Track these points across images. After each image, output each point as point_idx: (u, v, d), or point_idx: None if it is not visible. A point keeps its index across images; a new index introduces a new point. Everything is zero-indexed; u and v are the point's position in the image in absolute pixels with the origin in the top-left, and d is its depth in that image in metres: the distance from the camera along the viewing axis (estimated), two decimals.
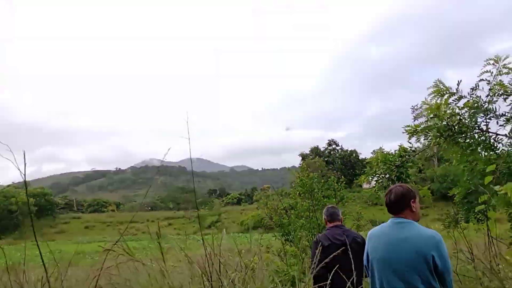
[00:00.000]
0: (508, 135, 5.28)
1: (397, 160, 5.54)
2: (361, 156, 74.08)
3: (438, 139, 5.01)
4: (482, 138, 5.37)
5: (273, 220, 8.62)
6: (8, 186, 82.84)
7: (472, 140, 5.26)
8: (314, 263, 3.64)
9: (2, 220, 73.95)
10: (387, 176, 5.57)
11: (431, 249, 2.59)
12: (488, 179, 3.48)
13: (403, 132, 5.54)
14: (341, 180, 9.12)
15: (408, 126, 5.47)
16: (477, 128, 5.20)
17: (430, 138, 5.18)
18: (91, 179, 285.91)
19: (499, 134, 5.33)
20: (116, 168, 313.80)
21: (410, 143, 5.50)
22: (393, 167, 5.51)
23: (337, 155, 75.11)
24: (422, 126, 5.37)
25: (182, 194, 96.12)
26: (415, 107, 5.46)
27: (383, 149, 5.59)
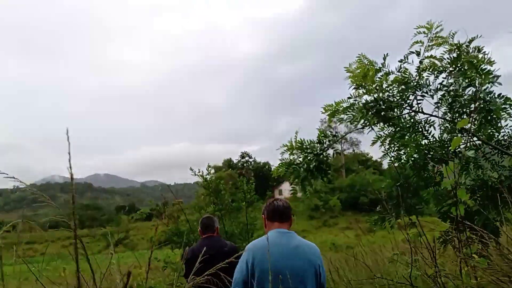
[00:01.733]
0: (442, 117, 4.54)
1: (316, 147, 4.52)
2: (273, 168, 74.80)
3: (364, 115, 4.08)
4: (412, 120, 4.57)
5: (169, 228, 7.27)
6: None
7: (401, 122, 4.42)
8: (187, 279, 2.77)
9: None
10: (305, 166, 4.51)
11: (317, 259, 2.66)
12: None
13: (322, 113, 4.55)
14: (251, 181, 8.03)
15: (329, 105, 4.50)
16: (408, 107, 4.36)
17: (355, 116, 4.23)
18: None
19: (434, 116, 4.56)
20: (13, 186, 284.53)
21: (330, 126, 4.54)
22: (312, 156, 4.47)
23: (250, 167, 75.07)
24: (344, 104, 4.42)
25: (87, 211, 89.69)
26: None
27: (297, 135, 4.52)
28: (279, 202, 2.87)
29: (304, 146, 4.53)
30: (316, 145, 4.55)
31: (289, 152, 4.52)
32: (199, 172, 7.70)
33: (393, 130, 4.51)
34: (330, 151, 4.57)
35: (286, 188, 59.36)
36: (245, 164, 76.20)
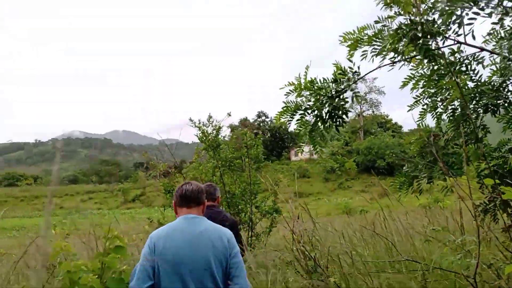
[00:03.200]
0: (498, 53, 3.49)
1: (331, 87, 3.54)
2: (290, 129, 73.95)
3: (396, 42, 3.08)
4: (456, 55, 3.52)
5: (161, 184, 6.50)
6: None
7: (442, 57, 3.38)
8: None
9: None
10: (315, 112, 3.57)
11: (224, 241, 2.52)
12: None
13: (341, 43, 3.54)
14: (258, 136, 7.11)
15: (349, 32, 3.48)
16: (452, 36, 3.29)
17: (383, 44, 3.22)
18: (8, 152, 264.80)
19: (485, 49, 3.51)
20: (35, 140, 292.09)
21: (351, 61, 3.54)
22: (325, 99, 3.51)
23: (267, 127, 74.08)
24: (369, 31, 3.40)
25: (106, 167, 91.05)
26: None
27: (307, 72, 3.53)
28: (189, 186, 2.67)
29: (316, 87, 3.56)
30: (331, 85, 3.57)
31: (296, 93, 3.56)
32: (199, 123, 6.82)
33: (431, 66, 3.50)
34: (349, 94, 3.59)
35: (304, 149, 58.28)
36: (261, 124, 75.12)
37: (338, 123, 3.58)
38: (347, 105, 3.58)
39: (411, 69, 3.80)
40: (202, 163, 6.88)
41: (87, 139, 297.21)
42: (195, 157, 7.04)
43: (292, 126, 3.77)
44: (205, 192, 2.73)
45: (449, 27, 3.17)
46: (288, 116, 3.68)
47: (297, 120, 3.65)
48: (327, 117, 3.56)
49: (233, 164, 6.67)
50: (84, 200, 70.57)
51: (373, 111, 73.31)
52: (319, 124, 3.60)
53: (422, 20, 3.06)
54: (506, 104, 3.63)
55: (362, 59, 3.48)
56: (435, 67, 3.53)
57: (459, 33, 3.21)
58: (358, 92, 3.68)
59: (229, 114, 7.12)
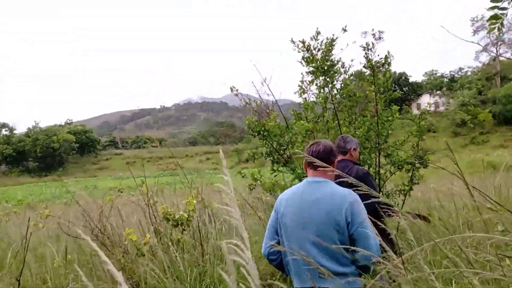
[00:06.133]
0: None
1: None
2: (411, 79, 67.82)
3: None
4: None
5: (247, 122, 4.78)
6: (53, 126, 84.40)
7: None
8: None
9: (47, 158, 75.46)
10: None
11: (342, 209, 2.29)
12: None
13: None
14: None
15: None
16: None
17: None
18: (138, 117, 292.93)
19: None
20: (160, 105, 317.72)
21: None
22: None
23: None
24: None
25: (221, 128, 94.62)
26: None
27: None
28: (316, 146, 2.51)
29: None
30: None
31: None
32: (304, 43, 4.88)
33: None
34: None
35: (425, 101, 52.71)
36: None
37: None
38: None
39: None
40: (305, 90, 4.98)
41: (205, 103, 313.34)
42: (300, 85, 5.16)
43: None
44: (335, 153, 2.53)
45: None
46: None
47: None
48: None
49: (352, 95, 4.65)
50: (202, 161, 74.53)
51: None
52: None
53: None
54: None
55: None
56: None
57: None
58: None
59: (344, 29, 5.04)
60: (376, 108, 4.43)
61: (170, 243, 4.17)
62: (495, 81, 59.06)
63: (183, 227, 4.44)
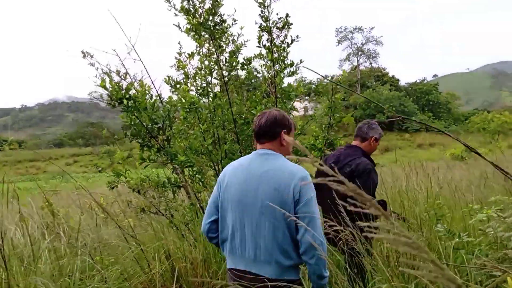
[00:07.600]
0: None
1: None
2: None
3: None
4: None
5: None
6: None
7: None
8: None
9: None
10: None
11: (291, 185, 2.09)
12: None
13: None
14: None
15: None
16: None
17: None
18: None
19: None
20: (21, 105, 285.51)
21: None
22: None
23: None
24: None
25: (92, 129, 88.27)
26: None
27: None
28: (260, 119, 2.26)
29: None
30: None
31: None
32: None
33: None
34: None
35: (296, 107, 55.60)
36: None
37: None
38: None
39: None
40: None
41: (74, 103, 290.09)
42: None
43: None
44: (282, 123, 2.23)
45: None
46: None
47: None
48: None
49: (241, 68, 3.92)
50: (69, 164, 68.54)
51: (370, 63, 70.31)
52: None
53: None
54: None
55: None
56: None
57: None
58: None
59: None
60: (275, 85, 3.81)
61: None
62: (356, 88, 65.32)
63: None
